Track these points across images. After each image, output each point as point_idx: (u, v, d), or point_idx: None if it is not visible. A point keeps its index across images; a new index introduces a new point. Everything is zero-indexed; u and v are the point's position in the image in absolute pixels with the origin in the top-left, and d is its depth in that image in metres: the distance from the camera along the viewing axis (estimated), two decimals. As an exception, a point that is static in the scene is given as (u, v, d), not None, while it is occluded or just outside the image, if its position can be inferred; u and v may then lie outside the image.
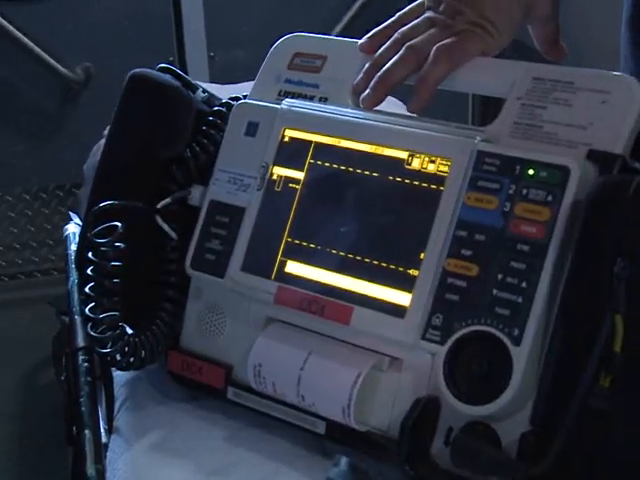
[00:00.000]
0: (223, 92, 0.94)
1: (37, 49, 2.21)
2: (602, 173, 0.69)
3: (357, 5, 2.35)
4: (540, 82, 0.75)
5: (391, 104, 1.12)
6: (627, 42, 1.04)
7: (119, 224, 0.84)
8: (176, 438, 0.84)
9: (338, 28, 2.32)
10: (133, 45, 2.26)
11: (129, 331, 0.85)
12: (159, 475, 0.79)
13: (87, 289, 0.84)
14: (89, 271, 0.84)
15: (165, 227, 0.86)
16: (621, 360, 0.63)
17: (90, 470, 0.80)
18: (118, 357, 0.84)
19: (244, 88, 0.92)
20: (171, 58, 2.29)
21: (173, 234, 0.86)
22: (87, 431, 0.84)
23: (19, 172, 2.31)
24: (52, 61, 2.23)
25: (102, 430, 0.88)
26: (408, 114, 0.82)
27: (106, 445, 0.86)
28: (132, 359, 0.84)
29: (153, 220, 0.86)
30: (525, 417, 0.68)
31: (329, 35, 0.94)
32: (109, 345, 0.83)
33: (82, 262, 0.86)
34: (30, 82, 2.26)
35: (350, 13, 2.34)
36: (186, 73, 0.91)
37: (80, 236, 0.92)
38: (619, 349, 0.63)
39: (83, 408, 0.87)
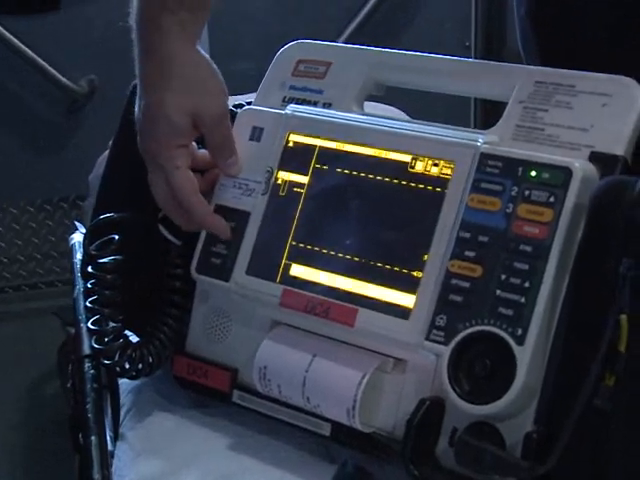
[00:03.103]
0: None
1: (41, 62, 2.20)
2: (604, 174, 0.70)
3: (360, 17, 2.33)
4: (542, 85, 0.76)
5: (390, 112, 1.13)
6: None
7: (116, 237, 0.85)
8: (181, 445, 0.84)
9: (340, 40, 2.32)
10: (137, 58, 2.26)
11: (134, 339, 0.85)
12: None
13: (88, 303, 0.85)
14: (89, 284, 0.85)
15: (167, 235, 0.86)
16: (625, 360, 0.63)
17: (97, 476, 0.80)
18: (126, 366, 0.84)
19: (248, 99, 0.92)
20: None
21: (176, 241, 0.86)
22: (93, 437, 0.84)
23: (23, 184, 2.29)
24: (56, 74, 2.22)
25: (108, 438, 0.88)
26: (410, 119, 0.83)
27: (112, 453, 0.86)
28: (140, 366, 0.85)
29: (155, 229, 0.86)
30: (529, 417, 0.69)
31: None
32: (115, 355, 0.83)
33: (84, 275, 0.86)
34: (34, 95, 2.25)
35: (352, 25, 2.34)
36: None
37: (82, 249, 0.93)
38: (624, 349, 0.64)
39: (89, 415, 0.87)
